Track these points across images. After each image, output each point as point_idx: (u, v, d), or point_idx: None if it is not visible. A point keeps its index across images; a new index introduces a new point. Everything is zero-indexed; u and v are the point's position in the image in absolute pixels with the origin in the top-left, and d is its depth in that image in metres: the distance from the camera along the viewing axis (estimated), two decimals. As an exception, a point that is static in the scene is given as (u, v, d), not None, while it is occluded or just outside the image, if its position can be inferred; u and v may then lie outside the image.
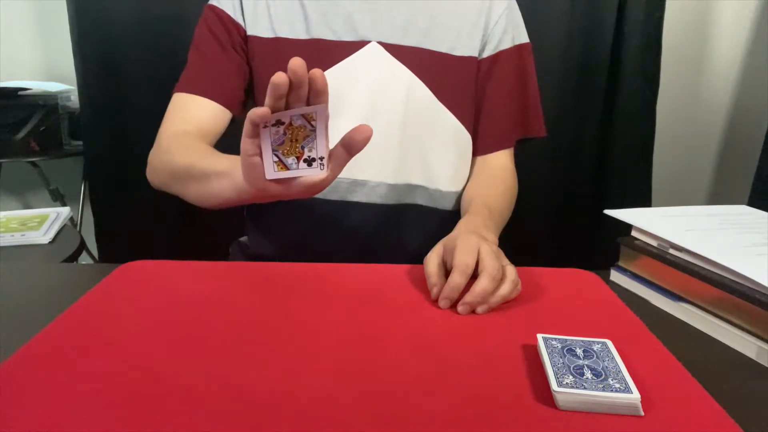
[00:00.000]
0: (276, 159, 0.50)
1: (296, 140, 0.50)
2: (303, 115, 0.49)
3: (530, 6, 0.98)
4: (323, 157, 0.50)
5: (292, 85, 0.47)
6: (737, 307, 0.52)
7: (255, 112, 0.47)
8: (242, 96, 0.83)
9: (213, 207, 0.65)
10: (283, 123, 0.50)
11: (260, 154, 0.50)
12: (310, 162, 0.50)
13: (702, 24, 1.72)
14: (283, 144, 0.50)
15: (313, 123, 0.50)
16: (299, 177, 0.51)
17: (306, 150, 0.50)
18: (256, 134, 0.49)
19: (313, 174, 0.50)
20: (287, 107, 0.49)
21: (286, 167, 0.50)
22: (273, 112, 0.48)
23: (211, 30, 0.81)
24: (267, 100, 0.47)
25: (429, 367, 0.45)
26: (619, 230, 0.69)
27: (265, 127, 0.49)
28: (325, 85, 0.48)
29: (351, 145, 0.50)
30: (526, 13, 0.88)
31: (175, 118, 0.78)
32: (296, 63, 0.46)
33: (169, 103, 0.81)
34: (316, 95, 0.48)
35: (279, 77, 0.46)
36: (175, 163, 0.70)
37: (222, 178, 0.60)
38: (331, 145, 0.51)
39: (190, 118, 0.78)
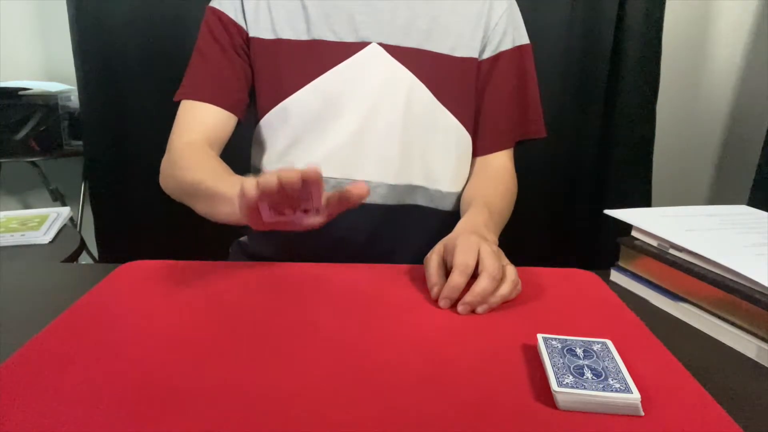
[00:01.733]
0: (272, 209, 0.51)
1: (293, 199, 0.52)
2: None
3: (530, 6, 0.98)
4: (319, 207, 0.51)
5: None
6: (737, 307, 0.52)
7: (248, 196, 0.49)
8: (246, 99, 0.83)
9: (219, 223, 0.67)
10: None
11: (256, 204, 0.51)
12: (305, 211, 0.51)
13: (702, 24, 1.73)
14: (280, 204, 0.51)
15: (309, 190, 0.52)
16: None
17: (303, 203, 0.51)
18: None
19: (308, 219, 0.51)
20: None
21: (283, 214, 0.51)
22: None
23: (213, 33, 0.81)
24: (269, 192, 0.49)
25: (429, 367, 0.45)
26: (619, 230, 0.69)
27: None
28: (320, 182, 0.50)
29: (347, 199, 0.52)
30: (526, 13, 0.88)
31: (183, 128, 0.79)
32: (288, 176, 0.48)
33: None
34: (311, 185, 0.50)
35: (269, 184, 0.48)
36: (184, 179, 0.71)
37: (225, 203, 0.61)
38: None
39: (198, 126, 0.78)
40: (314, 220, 0.53)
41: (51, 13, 1.65)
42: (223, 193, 0.62)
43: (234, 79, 0.81)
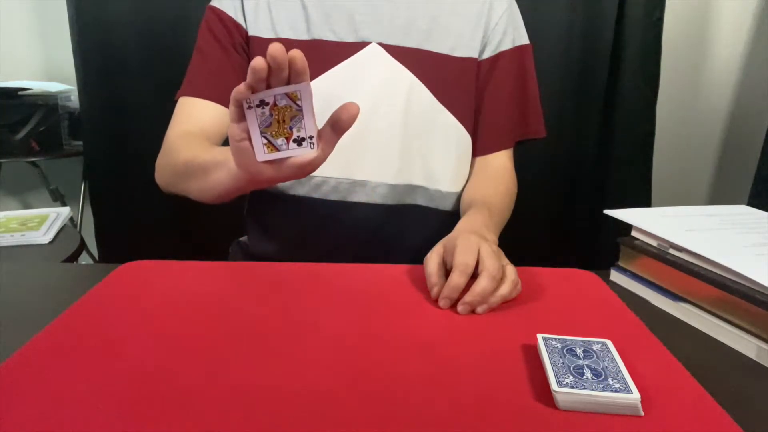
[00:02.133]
0: (265, 141, 0.49)
1: (283, 121, 0.49)
2: (287, 95, 0.49)
3: (530, 6, 0.98)
4: (312, 136, 0.49)
5: (272, 71, 0.47)
6: (737, 307, 0.52)
7: (236, 89, 0.47)
8: None
9: (215, 200, 0.66)
10: (267, 103, 0.49)
11: (249, 138, 0.50)
12: (299, 142, 0.50)
13: (702, 24, 1.73)
14: (271, 126, 0.49)
15: (298, 102, 0.49)
16: (290, 157, 0.50)
17: (294, 130, 0.49)
18: (242, 118, 0.49)
19: (304, 153, 0.50)
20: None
21: (276, 148, 0.49)
22: (254, 92, 0.48)
23: (212, 31, 0.81)
24: (247, 82, 0.47)
25: (429, 367, 0.45)
26: (619, 230, 0.69)
27: (250, 108, 0.48)
28: (305, 65, 0.48)
29: (338, 124, 0.50)
30: (526, 13, 0.88)
31: (179, 122, 0.79)
32: (275, 48, 0.45)
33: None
34: (296, 75, 0.48)
35: (258, 62, 0.45)
36: (177, 160, 0.71)
37: (218, 168, 0.60)
38: (320, 125, 0.51)
39: (194, 121, 0.78)
40: (310, 154, 0.50)
41: (51, 13, 1.65)
42: (214, 158, 0.61)
43: (232, 76, 0.80)
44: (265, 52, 0.84)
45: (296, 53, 0.47)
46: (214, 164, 0.61)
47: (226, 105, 0.79)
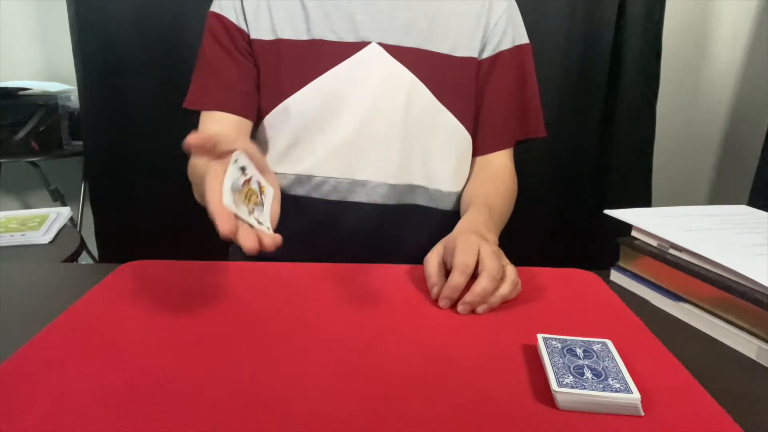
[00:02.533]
0: (233, 197, 0.50)
1: (249, 199, 0.51)
2: (258, 184, 0.53)
3: (530, 6, 0.98)
4: (269, 227, 0.51)
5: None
6: (737, 307, 0.52)
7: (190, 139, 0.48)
8: (258, 101, 0.83)
9: None
10: (245, 174, 0.51)
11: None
12: (258, 221, 0.51)
13: (702, 24, 1.73)
14: (240, 192, 0.50)
15: (263, 197, 0.53)
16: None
17: (256, 212, 0.51)
18: (222, 156, 0.50)
19: (259, 228, 0.50)
20: None
21: (237, 208, 0.50)
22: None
23: (217, 38, 0.81)
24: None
25: (429, 367, 0.45)
26: (619, 230, 0.69)
27: (234, 162, 0.50)
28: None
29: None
30: (526, 14, 0.88)
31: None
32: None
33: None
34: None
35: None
36: (197, 177, 0.72)
37: None
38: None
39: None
40: (266, 233, 0.50)
41: (51, 13, 1.65)
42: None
43: (243, 82, 0.81)
44: (268, 55, 0.84)
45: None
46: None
47: (243, 115, 0.81)
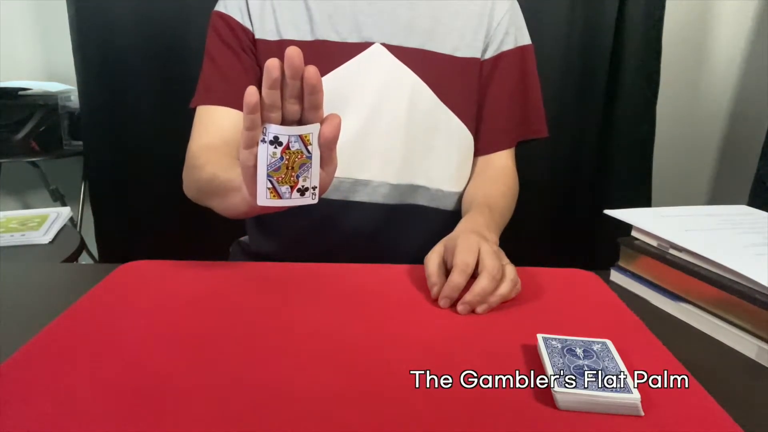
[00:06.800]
0: (270, 186, 0.49)
1: (292, 168, 0.50)
2: (301, 137, 0.49)
3: (530, 6, 0.98)
4: (316, 187, 0.50)
5: (284, 79, 0.47)
6: (737, 307, 0.52)
7: (248, 93, 0.46)
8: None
9: (237, 218, 0.67)
10: (281, 143, 0.49)
11: (255, 167, 0.50)
12: (303, 192, 0.50)
13: (702, 24, 1.73)
14: (279, 170, 0.49)
15: (309, 148, 0.50)
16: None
17: (300, 179, 0.50)
18: (253, 143, 0.49)
19: (305, 202, 0.50)
20: (282, 102, 0.49)
21: (279, 195, 0.49)
22: (268, 104, 0.48)
23: (221, 36, 0.81)
24: (263, 89, 0.47)
25: (429, 367, 0.45)
26: (619, 230, 0.69)
27: (263, 141, 0.49)
28: (320, 82, 0.48)
29: (326, 143, 0.50)
30: (526, 14, 0.88)
31: (200, 132, 0.79)
32: (293, 53, 0.46)
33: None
34: (311, 92, 0.48)
35: (273, 62, 0.46)
36: (200, 177, 0.71)
37: (235, 192, 0.61)
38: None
39: (214, 130, 0.78)
40: (310, 204, 0.51)
41: (51, 13, 1.65)
42: (231, 181, 0.61)
43: (247, 79, 0.80)
44: (271, 55, 0.84)
45: (311, 70, 0.47)
46: (231, 188, 0.62)
47: (241, 108, 0.79)
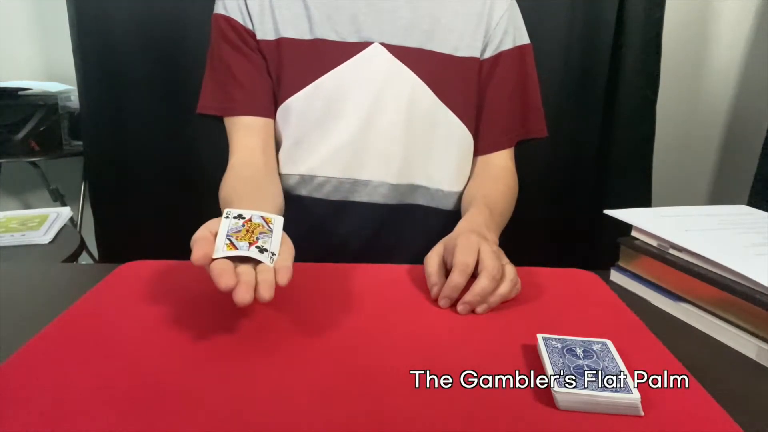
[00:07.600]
0: (228, 242, 0.50)
1: (252, 232, 0.52)
2: (263, 217, 0.53)
3: (530, 6, 0.98)
4: (275, 253, 0.51)
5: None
6: (737, 307, 0.52)
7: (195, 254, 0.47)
8: (273, 95, 0.83)
9: None
10: (243, 218, 0.53)
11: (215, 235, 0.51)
12: (261, 250, 0.50)
13: (702, 24, 1.73)
14: (239, 232, 0.51)
15: (271, 226, 0.53)
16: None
17: (260, 241, 0.51)
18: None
19: (261, 259, 0.49)
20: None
21: (236, 248, 0.49)
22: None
23: (226, 39, 0.80)
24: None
25: (429, 367, 0.45)
26: (619, 230, 0.69)
27: (227, 217, 0.52)
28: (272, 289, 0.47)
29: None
30: (526, 13, 0.88)
31: (237, 148, 0.80)
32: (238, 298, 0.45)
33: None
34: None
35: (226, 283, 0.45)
36: (221, 197, 0.73)
37: None
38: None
39: (251, 144, 0.79)
40: (267, 262, 0.50)
41: (51, 13, 1.65)
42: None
43: (260, 80, 0.80)
44: (271, 55, 0.84)
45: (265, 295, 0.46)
46: None
47: (263, 114, 0.80)
